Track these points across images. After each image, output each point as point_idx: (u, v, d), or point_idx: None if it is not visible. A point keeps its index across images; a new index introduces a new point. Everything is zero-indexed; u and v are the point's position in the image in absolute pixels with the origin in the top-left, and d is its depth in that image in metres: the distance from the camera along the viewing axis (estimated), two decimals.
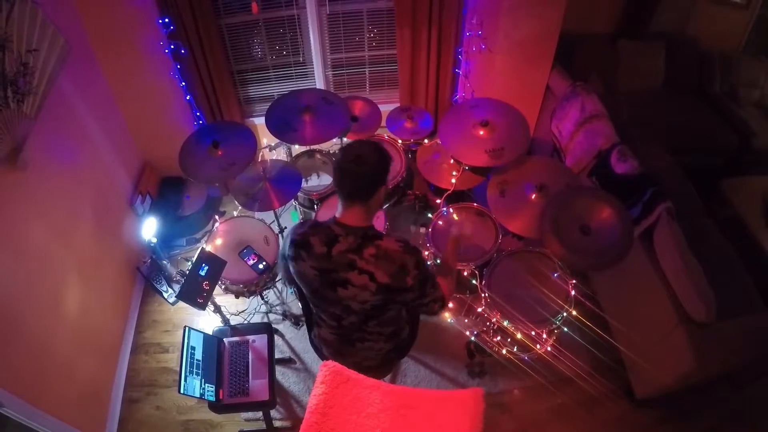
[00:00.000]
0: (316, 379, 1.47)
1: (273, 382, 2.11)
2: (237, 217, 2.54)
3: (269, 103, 2.52)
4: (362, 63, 3.23)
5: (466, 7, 2.83)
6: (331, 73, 3.24)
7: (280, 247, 1.70)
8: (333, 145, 3.03)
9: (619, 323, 2.58)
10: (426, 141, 2.81)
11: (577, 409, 2.46)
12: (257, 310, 2.82)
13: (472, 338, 2.52)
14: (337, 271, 1.48)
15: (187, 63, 2.77)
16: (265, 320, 2.77)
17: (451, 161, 2.63)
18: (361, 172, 1.42)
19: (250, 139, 2.39)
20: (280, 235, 2.68)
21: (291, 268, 1.59)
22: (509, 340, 2.24)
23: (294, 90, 2.65)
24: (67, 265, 2.27)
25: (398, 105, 3.11)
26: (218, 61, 2.83)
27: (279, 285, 2.87)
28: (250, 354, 2.18)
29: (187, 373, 1.92)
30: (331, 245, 1.47)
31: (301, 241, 1.52)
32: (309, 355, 2.64)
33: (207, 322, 2.73)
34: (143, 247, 2.99)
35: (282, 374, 2.60)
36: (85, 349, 2.35)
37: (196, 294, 2.02)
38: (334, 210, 1.53)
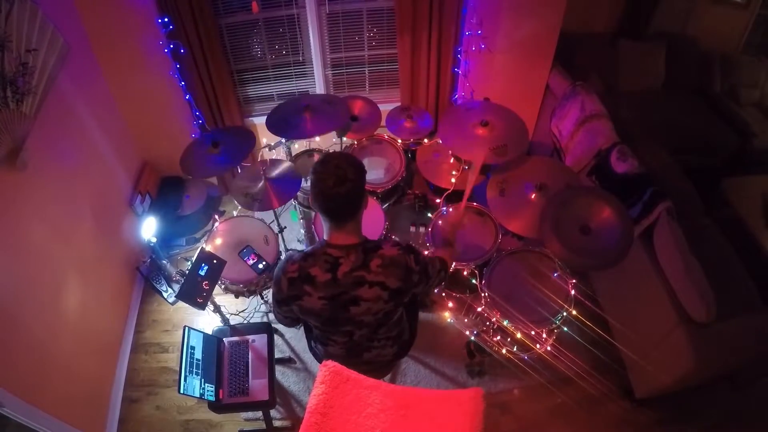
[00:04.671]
0: (316, 379, 1.47)
1: (273, 382, 2.11)
2: (237, 216, 2.54)
3: (269, 103, 2.52)
4: (362, 62, 3.22)
5: (466, 7, 2.82)
6: (330, 72, 3.24)
7: (273, 295, 1.55)
8: (333, 144, 3.03)
9: (619, 323, 2.58)
10: (426, 140, 2.81)
11: (577, 409, 2.46)
12: (257, 309, 2.82)
13: (472, 338, 2.52)
14: (347, 292, 1.46)
15: (186, 62, 2.77)
16: (265, 320, 2.77)
17: (451, 160, 2.63)
18: (346, 192, 1.35)
19: (249, 139, 2.39)
20: (279, 235, 2.68)
21: (295, 309, 1.52)
22: (509, 339, 2.24)
23: (293, 96, 2.62)
24: (67, 264, 2.27)
25: (398, 104, 3.11)
26: (218, 61, 2.83)
27: None
28: (249, 354, 2.18)
29: (187, 373, 1.92)
30: (334, 270, 1.43)
31: (299, 276, 1.44)
32: (309, 355, 2.61)
33: (207, 321, 2.73)
34: (143, 247, 2.99)
35: (282, 374, 2.60)
36: (85, 349, 2.35)
37: (195, 294, 2.02)
38: None
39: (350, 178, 1.35)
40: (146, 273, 2.93)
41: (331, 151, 2.90)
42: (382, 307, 1.50)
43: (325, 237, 1.48)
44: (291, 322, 1.69)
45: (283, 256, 1.67)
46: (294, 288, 1.46)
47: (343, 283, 1.44)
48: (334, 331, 1.62)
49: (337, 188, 1.34)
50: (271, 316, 2.82)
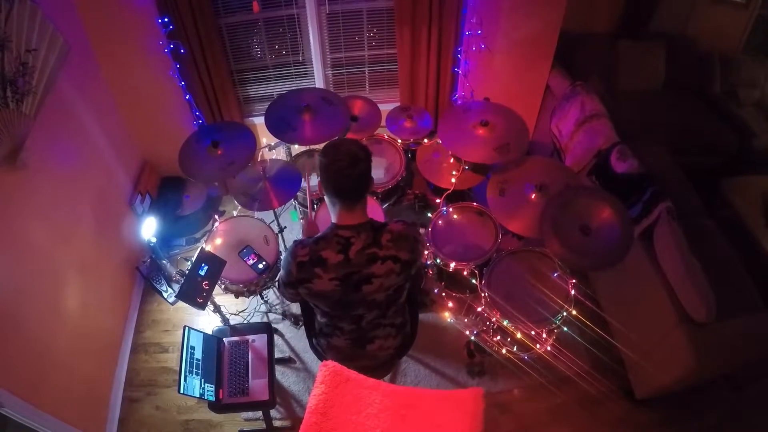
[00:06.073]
0: (316, 379, 1.47)
1: (273, 382, 2.11)
2: (236, 216, 2.54)
3: (269, 103, 2.52)
4: (362, 62, 3.22)
5: (466, 7, 2.82)
6: (330, 72, 3.24)
7: (280, 277, 1.60)
8: None
9: (619, 323, 2.58)
10: (426, 140, 2.81)
11: (577, 409, 2.46)
12: (257, 309, 2.82)
13: (472, 338, 2.51)
14: (360, 271, 1.48)
15: (186, 62, 2.77)
16: (265, 320, 2.77)
17: (451, 160, 2.63)
18: (360, 172, 1.42)
19: (249, 138, 2.39)
20: (279, 235, 2.68)
21: (303, 292, 1.54)
22: (509, 339, 2.24)
23: (292, 90, 2.63)
24: (67, 264, 2.27)
25: (398, 104, 3.11)
26: (218, 61, 2.83)
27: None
28: (249, 354, 2.18)
29: (187, 373, 1.92)
30: (346, 250, 1.46)
31: (311, 259, 1.47)
32: (309, 355, 2.64)
33: (207, 321, 2.73)
34: (143, 247, 2.99)
35: (282, 374, 2.59)
36: (85, 349, 2.35)
37: (195, 294, 2.02)
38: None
39: (362, 158, 1.41)
40: (146, 273, 2.93)
41: None
42: (393, 281, 1.52)
43: (333, 221, 1.51)
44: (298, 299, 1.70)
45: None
46: (303, 272, 1.48)
47: (356, 262, 1.47)
48: (343, 316, 1.63)
49: (351, 169, 1.40)
50: (272, 315, 2.82)
